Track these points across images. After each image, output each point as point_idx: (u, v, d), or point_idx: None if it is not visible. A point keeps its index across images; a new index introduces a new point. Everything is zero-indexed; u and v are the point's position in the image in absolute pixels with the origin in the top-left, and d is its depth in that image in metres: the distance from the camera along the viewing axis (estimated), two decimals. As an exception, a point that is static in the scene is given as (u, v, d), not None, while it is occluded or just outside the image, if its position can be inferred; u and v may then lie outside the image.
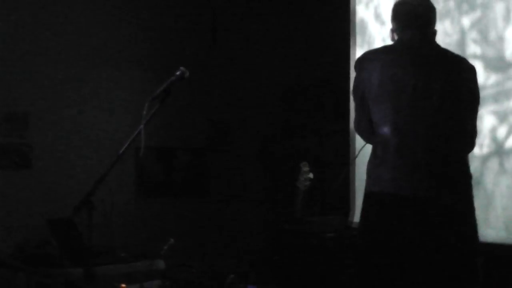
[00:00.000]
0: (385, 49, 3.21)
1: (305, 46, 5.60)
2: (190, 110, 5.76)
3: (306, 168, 4.38)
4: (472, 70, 3.13)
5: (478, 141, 3.28)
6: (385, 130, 3.02)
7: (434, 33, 3.16)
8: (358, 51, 5.06)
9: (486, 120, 3.99)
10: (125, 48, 5.53)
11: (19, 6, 5.15)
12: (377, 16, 4.90)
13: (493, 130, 4.01)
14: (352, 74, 5.10)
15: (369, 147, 3.23)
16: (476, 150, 3.57)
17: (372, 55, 3.19)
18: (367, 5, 4.96)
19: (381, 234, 2.97)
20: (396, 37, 3.18)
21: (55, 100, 5.24)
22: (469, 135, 3.12)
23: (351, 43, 5.10)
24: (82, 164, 5.23)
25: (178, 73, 3.33)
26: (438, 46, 3.17)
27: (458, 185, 3.02)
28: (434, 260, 2.92)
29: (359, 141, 5.02)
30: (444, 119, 3.00)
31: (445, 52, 3.17)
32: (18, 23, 5.15)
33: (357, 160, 4.97)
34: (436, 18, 3.19)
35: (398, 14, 3.18)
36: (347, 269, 4.14)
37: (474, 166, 3.47)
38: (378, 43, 4.84)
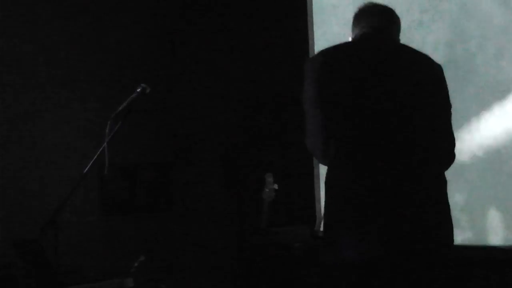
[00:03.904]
0: (339, 47, 2.87)
1: (264, 58, 5.64)
2: (151, 126, 5.75)
3: (270, 179, 4.41)
4: (440, 68, 2.84)
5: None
6: (344, 138, 2.71)
7: (397, 30, 2.94)
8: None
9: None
10: (84, 66, 5.50)
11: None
12: (337, 25, 4.98)
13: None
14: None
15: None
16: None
17: (327, 56, 2.82)
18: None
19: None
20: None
21: (17, 119, 5.20)
22: (447, 144, 2.81)
23: (310, 55, 5.16)
24: (46, 184, 5.19)
25: (139, 89, 3.35)
26: (399, 42, 2.93)
27: (430, 188, 2.72)
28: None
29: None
30: (413, 125, 2.71)
31: (409, 49, 2.87)
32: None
33: (320, 170, 5.03)
34: (399, 28, 2.97)
35: (355, 17, 2.96)
36: (314, 279, 4.17)
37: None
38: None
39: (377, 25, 2.88)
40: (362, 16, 2.93)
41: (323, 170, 5.01)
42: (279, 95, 5.48)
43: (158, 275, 4.26)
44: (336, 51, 2.83)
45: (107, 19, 5.65)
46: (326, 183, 2.79)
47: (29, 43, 5.28)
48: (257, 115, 5.69)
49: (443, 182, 2.79)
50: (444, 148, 2.79)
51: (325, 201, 2.78)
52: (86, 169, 3.21)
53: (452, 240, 2.80)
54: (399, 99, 2.71)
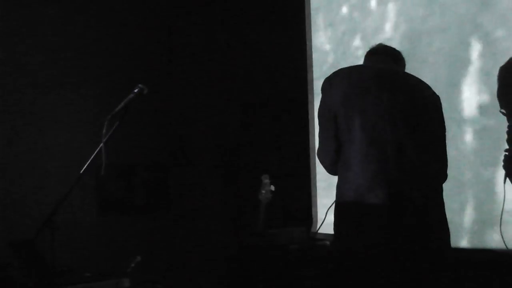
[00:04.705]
0: (350, 68, 3.16)
1: (262, 60, 5.65)
2: (150, 126, 5.76)
3: (267, 181, 4.41)
4: (438, 97, 3.09)
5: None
6: (351, 147, 2.95)
7: (402, 65, 3.25)
8: (315, 64, 5.14)
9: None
10: (84, 66, 5.52)
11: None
12: (331, 26, 4.98)
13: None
14: (309, 86, 5.20)
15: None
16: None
17: (339, 74, 3.11)
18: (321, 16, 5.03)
19: (354, 242, 2.89)
20: None
21: (14, 119, 5.21)
22: (439, 164, 3.02)
23: (308, 57, 5.17)
24: (44, 184, 5.19)
25: (136, 90, 3.35)
26: (404, 71, 3.20)
27: (429, 192, 2.92)
28: (405, 265, 2.84)
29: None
30: (412, 143, 2.92)
31: (412, 77, 3.13)
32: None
33: (317, 172, 5.03)
34: (404, 66, 3.27)
35: (365, 55, 3.28)
36: (311, 281, 4.18)
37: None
38: (333, 55, 4.91)
39: (382, 60, 3.18)
40: (371, 53, 3.26)
41: (320, 171, 5.03)
42: (277, 96, 5.49)
43: (154, 275, 4.27)
44: (343, 71, 3.12)
45: (107, 19, 5.65)
46: (337, 185, 3.02)
47: (29, 43, 5.29)
48: (254, 116, 5.70)
49: (440, 189, 2.99)
50: (437, 167, 3.01)
51: (335, 201, 3.01)
52: (83, 169, 3.21)
53: (449, 241, 2.98)
54: (400, 111, 2.94)
